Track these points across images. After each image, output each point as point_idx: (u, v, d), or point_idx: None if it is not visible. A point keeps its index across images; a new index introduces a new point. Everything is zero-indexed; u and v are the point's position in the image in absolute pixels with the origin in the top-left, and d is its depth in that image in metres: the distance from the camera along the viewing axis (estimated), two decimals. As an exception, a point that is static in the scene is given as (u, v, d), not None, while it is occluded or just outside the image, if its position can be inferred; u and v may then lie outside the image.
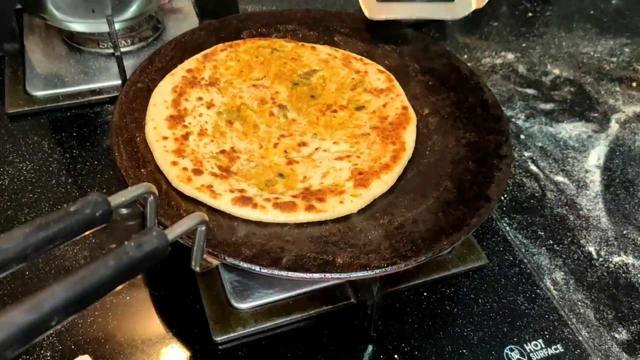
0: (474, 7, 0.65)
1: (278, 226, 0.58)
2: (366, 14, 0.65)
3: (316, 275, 0.53)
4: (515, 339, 0.64)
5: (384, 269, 0.54)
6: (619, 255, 0.75)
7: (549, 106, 0.96)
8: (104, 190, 0.76)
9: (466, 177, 0.64)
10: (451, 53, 0.80)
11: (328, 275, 0.54)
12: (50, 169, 0.78)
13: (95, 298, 0.38)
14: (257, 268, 0.53)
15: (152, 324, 0.63)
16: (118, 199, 0.46)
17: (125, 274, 0.40)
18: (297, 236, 0.57)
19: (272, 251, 0.55)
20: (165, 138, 0.63)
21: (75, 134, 0.83)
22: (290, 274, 0.53)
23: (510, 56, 1.05)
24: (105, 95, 0.87)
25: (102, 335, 0.61)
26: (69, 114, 0.86)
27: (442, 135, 0.69)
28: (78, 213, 0.42)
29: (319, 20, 0.82)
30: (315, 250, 0.56)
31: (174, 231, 0.45)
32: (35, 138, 0.82)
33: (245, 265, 0.54)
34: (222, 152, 0.64)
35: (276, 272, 0.53)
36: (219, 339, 0.61)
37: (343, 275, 0.54)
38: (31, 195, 0.74)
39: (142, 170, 0.60)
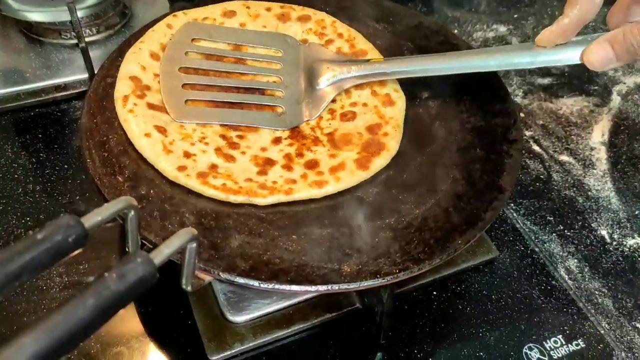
0: (304, 119, 0.62)
1: (275, 232, 0.52)
2: (172, 115, 0.59)
3: (322, 288, 0.48)
4: (533, 337, 0.60)
5: (395, 276, 0.49)
6: (633, 238, 0.71)
7: (547, 81, 0.91)
8: (77, 197, 0.69)
9: (475, 166, 0.59)
10: (447, 29, 0.74)
11: (335, 286, 0.48)
12: (16, 176, 0.71)
13: (73, 346, 0.32)
14: (256, 283, 0.48)
15: (140, 344, 0.57)
16: (93, 218, 0.39)
17: (108, 312, 0.34)
18: (297, 243, 0.51)
19: (271, 262, 0.50)
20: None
21: (41, 136, 0.75)
22: (293, 287, 0.48)
23: (502, 29, 1.00)
24: (71, 91, 0.80)
25: (85, 362, 0.55)
26: (32, 113, 0.78)
27: (445, 120, 0.64)
28: (47, 241, 0.36)
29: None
30: (318, 258, 0.50)
31: (161, 253, 0.39)
32: (-3, 142, 0.74)
33: (242, 280, 0.48)
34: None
35: (277, 286, 0.48)
36: (214, 357, 0.56)
37: (352, 286, 0.48)
38: (-5, 206, 0.67)
39: (119, 177, 0.54)
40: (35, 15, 0.81)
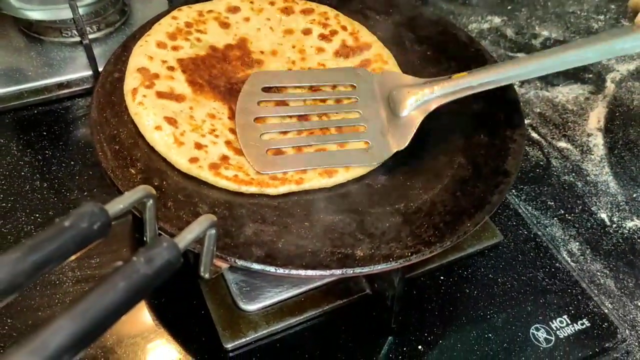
0: (393, 150, 0.58)
1: (288, 220, 0.53)
2: (255, 168, 0.56)
3: (337, 272, 0.49)
4: (540, 317, 0.61)
5: (408, 259, 0.50)
6: (632, 220, 0.72)
7: (542, 70, 0.92)
8: (85, 193, 0.69)
9: (479, 151, 0.60)
10: (446, 19, 0.75)
11: (349, 270, 0.49)
12: (22, 173, 0.71)
13: (105, 327, 0.33)
14: (272, 269, 0.49)
15: (155, 335, 0.58)
16: (116, 206, 0.40)
17: (137, 295, 0.35)
18: (309, 230, 0.52)
19: (285, 248, 0.50)
20: None
21: (45, 133, 0.76)
22: (308, 272, 0.49)
23: (497, 20, 1.01)
24: (74, 89, 0.80)
25: (100, 354, 0.56)
26: (36, 111, 0.78)
27: (448, 107, 0.65)
28: (73, 228, 0.37)
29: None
30: (331, 243, 0.51)
31: (184, 239, 0.40)
32: (2, 141, 0.74)
33: (258, 267, 0.49)
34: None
35: (293, 271, 0.49)
36: (229, 345, 0.57)
37: (365, 270, 0.49)
38: (4, 204, 0.67)
39: (131, 169, 0.54)
40: (36, 14, 0.81)
